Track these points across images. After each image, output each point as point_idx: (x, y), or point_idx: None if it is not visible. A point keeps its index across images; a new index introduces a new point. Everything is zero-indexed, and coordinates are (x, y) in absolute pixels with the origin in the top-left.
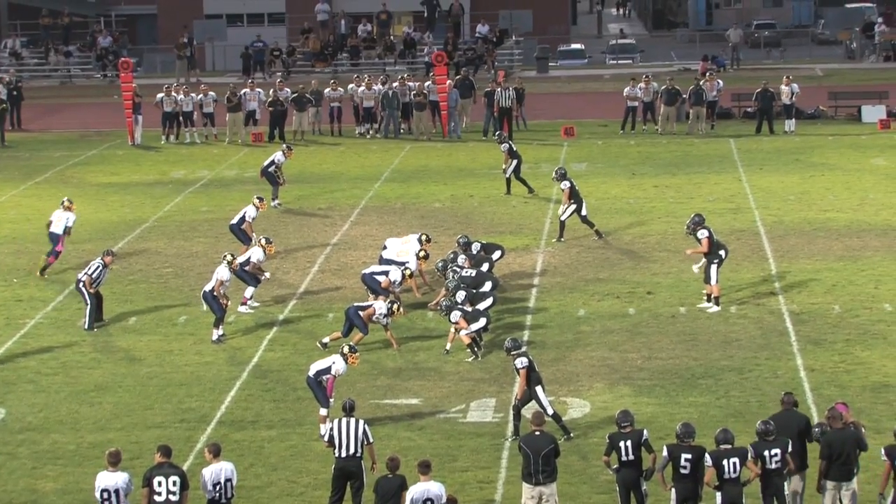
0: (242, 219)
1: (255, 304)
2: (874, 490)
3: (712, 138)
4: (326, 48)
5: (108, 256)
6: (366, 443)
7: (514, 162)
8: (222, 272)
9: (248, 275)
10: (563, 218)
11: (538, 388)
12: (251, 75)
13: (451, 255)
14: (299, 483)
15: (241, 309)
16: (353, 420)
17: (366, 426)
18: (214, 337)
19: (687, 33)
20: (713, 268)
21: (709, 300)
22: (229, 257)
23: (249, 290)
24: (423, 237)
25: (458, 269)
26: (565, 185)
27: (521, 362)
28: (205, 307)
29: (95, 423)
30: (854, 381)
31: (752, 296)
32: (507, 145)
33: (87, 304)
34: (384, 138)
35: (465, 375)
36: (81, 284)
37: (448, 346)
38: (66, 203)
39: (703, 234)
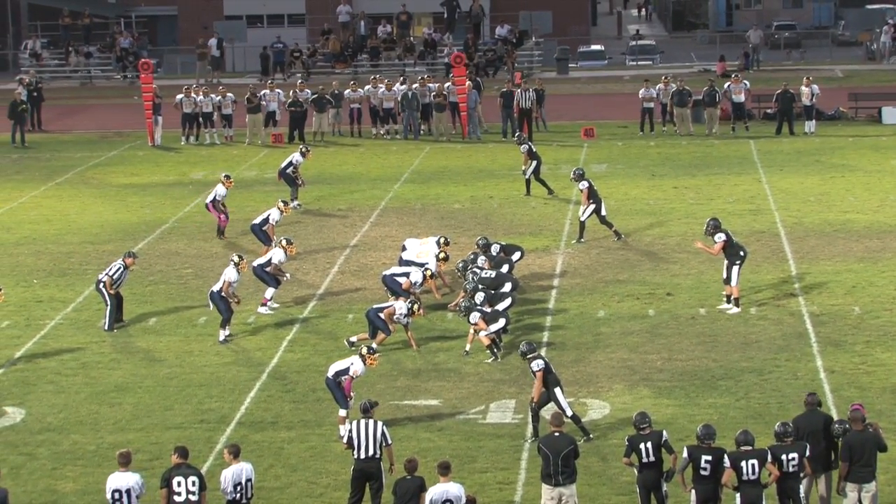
0: (266, 220)
1: (275, 306)
2: (894, 492)
3: (732, 140)
4: (346, 49)
5: (129, 258)
6: (384, 444)
7: (534, 163)
8: (230, 273)
9: (268, 276)
10: (583, 219)
11: (556, 390)
12: (271, 76)
13: (471, 257)
14: (319, 484)
15: (261, 310)
16: (371, 421)
17: (384, 427)
18: (221, 338)
19: (707, 34)
20: (734, 269)
21: (728, 301)
22: (236, 258)
23: (270, 292)
24: (442, 240)
25: (478, 271)
26: (583, 185)
27: (536, 365)
28: (211, 307)
29: (115, 424)
30: (874, 383)
31: (772, 297)
32: (527, 146)
33: (107, 305)
34: (404, 139)
35: (485, 377)
36: (102, 285)
37: (467, 348)
38: (221, 177)
39: (720, 237)
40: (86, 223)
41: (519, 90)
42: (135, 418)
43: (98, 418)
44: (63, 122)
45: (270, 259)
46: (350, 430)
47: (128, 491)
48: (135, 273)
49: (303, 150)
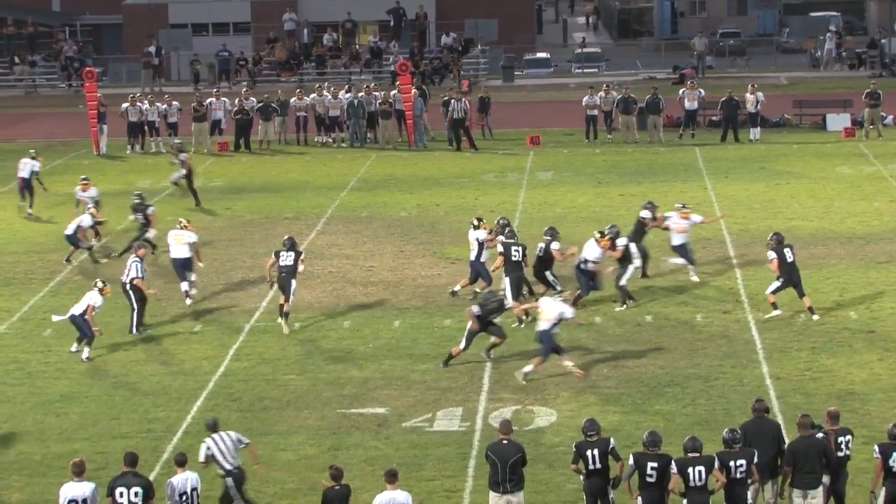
0: (78, 227)
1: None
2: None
3: (677, 147)
4: (292, 58)
5: (141, 249)
6: (242, 445)
7: (184, 172)
8: (93, 297)
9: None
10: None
11: None
12: (217, 85)
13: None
14: (265, 492)
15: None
16: (223, 433)
17: (237, 434)
18: (82, 353)
19: (652, 42)
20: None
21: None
22: (100, 284)
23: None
24: (475, 221)
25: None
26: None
27: None
28: (55, 318)
29: (61, 434)
30: (820, 389)
31: (718, 304)
32: (185, 155)
33: (132, 309)
34: (350, 147)
35: (432, 384)
36: (129, 287)
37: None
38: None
39: (771, 255)
40: (31, 232)
41: (453, 100)
42: (81, 428)
43: (44, 428)
44: (8, 130)
45: (79, 224)
46: (208, 448)
47: (84, 500)
48: (81, 283)
49: (32, 153)
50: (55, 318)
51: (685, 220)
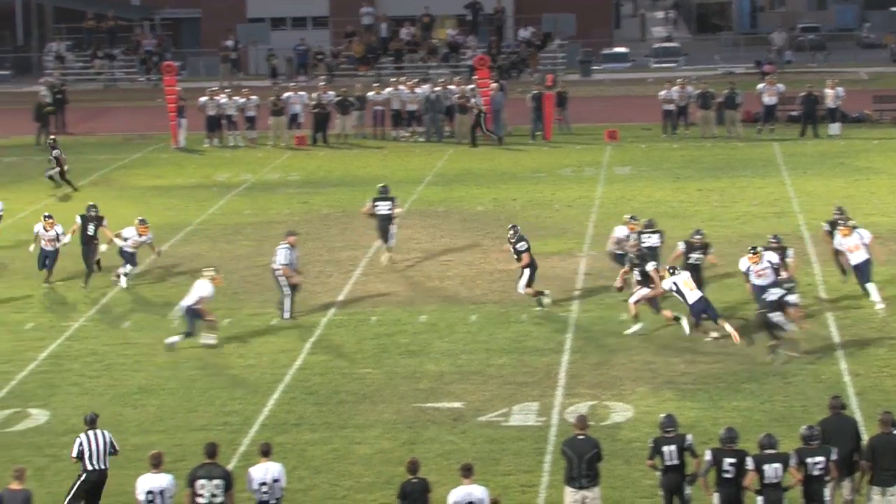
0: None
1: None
2: None
3: (756, 142)
4: (370, 52)
5: (291, 237)
6: (112, 452)
7: (58, 169)
8: (203, 287)
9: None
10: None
11: None
12: (293, 79)
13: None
14: (342, 486)
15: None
16: (99, 432)
17: (111, 437)
18: (171, 340)
19: (731, 37)
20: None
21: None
22: (212, 272)
23: (127, 267)
24: (627, 217)
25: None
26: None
27: None
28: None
29: (139, 426)
30: None
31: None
32: (57, 151)
33: (285, 295)
34: (427, 141)
35: (508, 379)
36: (279, 273)
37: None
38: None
39: (522, 246)
40: (109, 225)
41: (473, 98)
42: (158, 420)
43: (122, 420)
44: (87, 124)
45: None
46: (81, 444)
47: (161, 492)
48: (158, 274)
49: None
50: (174, 314)
51: (848, 237)
